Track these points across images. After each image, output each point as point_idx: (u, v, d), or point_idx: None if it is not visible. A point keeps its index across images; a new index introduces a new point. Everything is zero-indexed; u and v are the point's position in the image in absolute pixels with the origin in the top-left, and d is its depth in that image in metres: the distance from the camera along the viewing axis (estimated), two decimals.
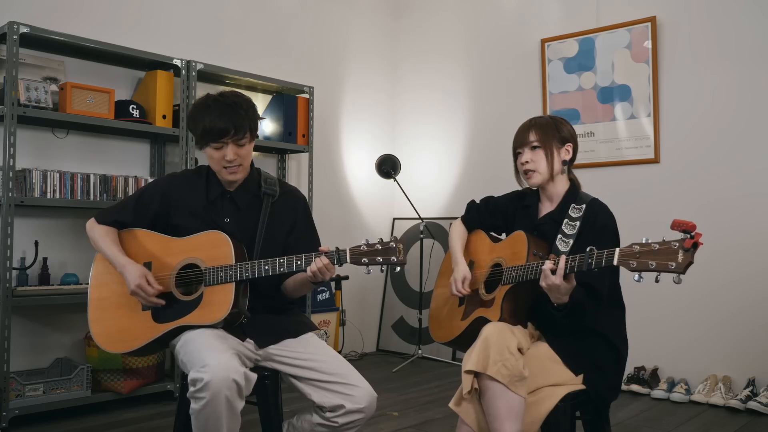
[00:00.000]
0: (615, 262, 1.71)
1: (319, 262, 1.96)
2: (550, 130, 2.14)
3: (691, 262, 1.59)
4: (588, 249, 1.78)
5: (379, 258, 1.92)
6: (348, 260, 1.95)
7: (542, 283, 1.85)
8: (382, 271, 1.96)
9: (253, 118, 2.12)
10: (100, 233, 2.15)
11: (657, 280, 1.65)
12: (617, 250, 1.71)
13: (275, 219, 2.20)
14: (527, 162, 2.14)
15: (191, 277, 2.09)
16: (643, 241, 1.67)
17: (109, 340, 2.11)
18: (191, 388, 1.82)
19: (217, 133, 2.03)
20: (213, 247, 2.06)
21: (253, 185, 2.20)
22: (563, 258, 1.81)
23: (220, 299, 2.02)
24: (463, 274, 2.18)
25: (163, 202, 2.18)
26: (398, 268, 1.95)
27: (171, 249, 2.12)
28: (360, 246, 1.94)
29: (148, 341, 2.06)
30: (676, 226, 1.60)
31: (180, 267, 2.10)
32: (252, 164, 2.22)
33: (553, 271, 1.81)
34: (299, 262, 1.99)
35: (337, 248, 1.98)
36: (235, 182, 2.17)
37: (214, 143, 2.06)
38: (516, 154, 2.20)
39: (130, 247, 2.15)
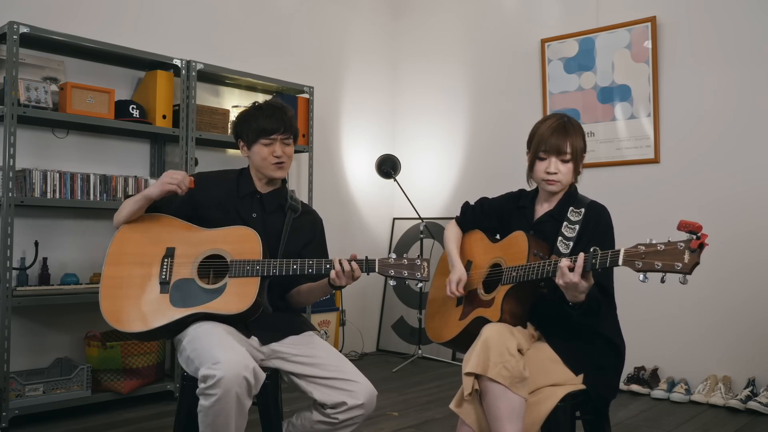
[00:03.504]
0: (620, 263, 1.71)
1: (347, 265, 2.05)
2: (581, 140, 2.10)
3: (697, 263, 1.59)
4: (592, 249, 1.78)
5: (404, 272, 2.07)
6: (376, 270, 2.07)
7: (559, 281, 1.82)
8: (405, 283, 2.04)
9: (296, 127, 2.29)
10: (125, 202, 2.19)
11: (663, 281, 1.65)
12: (622, 250, 1.71)
13: (296, 233, 2.29)
14: (556, 173, 2.07)
15: (214, 267, 2.12)
16: (648, 242, 1.67)
17: (120, 318, 2.07)
18: (201, 385, 1.83)
19: (270, 130, 2.19)
20: (242, 242, 2.11)
21: (281, 196, 2.31)
22: (581, 255, 1.79)
23: (244, 292, 2.05)
24: (458, 276, 2.18)
25: (187, 200, 2.21)
26: (419, 284, 2.09)
27: (196, 238, 2.15)
28: (388, 258, 2.08)
29: (162, 324, 2.04)
30: (682, 226, 1.59)
31: (204, 256, 2.12)
32: (284, 180, 2.34)
33: (571, 269, 1.80)
34: (328, 266, 2.07)
35: (366, 257, 2.08)
36: (273, 182, 2.28)
37: (265, 139, 2.20)
38: (539, 158, 2.09)
39: (155, 230, 2.17)
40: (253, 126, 2.21)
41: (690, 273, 1.60)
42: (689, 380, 3.72)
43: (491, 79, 4.77)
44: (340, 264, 2.05)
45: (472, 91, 4.89)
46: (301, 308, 2.44)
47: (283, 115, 2.22)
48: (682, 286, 3.71)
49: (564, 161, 2.08)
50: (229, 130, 3.91)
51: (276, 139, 2.20)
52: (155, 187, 2.11)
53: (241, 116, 2.28)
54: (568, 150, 2.06)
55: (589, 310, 1.90)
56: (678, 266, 1.60)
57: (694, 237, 1.59)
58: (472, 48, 4.89)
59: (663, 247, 1.64)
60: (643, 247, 1.67)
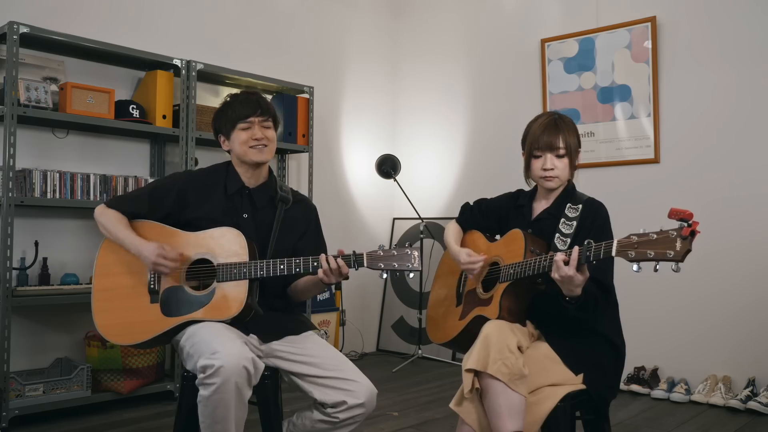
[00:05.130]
0: (613, 254, 1.71)
1: (333, 263, 2.00)
2: (574, 135, 2.11)
3: (689, 250, 1.59)
4: (586, 242, 1.79)
5: (394, 264, 1.99)
6: (365, 264, 2.00)
7: (555, 275, 1.83)
8: (397, 275, 1.99)
9: (275, 111, 2.25)
10: (111, 218, 2.14)
11: (656, 269, 1.65)
12: (615, 240, 1.72)
13: (288, 225, 2.25)
14: (552, 169, 2.08)
15: (202, 272, 2.10)
16: (641, 232, 1.68)
17: (115, 332, 2.09)
18: (201, 375, 1.83)
19: (245, 114, 2.16)
20: (226, 244, 2.08)
21: (270, 188, 2.26)
22: (576, 249, 1.80)
23: (233, 296, 2.03)
24: (467, 252, 2.15)
25: (179, 198, 2.19)
26: (412, 275, 2.01)
27: (182, 243, 2.12)
28: (377, 251, 2.00)
29: (155, 335, 2.06)
30: (673, 214, 1.60)
31: (191, 261, 2.11)
32: (270, 171, 2.29)
33: (566, 262, 1.80)
34: (315, 264, 2.03)
35: (354, 252, 2.02)
36: (259, 172, 2.22)
37: (243, 123, 2.16)
38: (534, 156, 2.12)
39: (141, 237, 2.14)
40: (229, 114, 2.19)
41: (682, 260, 1.60)
42: (689, 380, 3.72)
43: (491, 79, 4.77)
44: (327, 262, 2.00)
45: (472, 91, 4.89)
46: (302, 305, 2.43)
47: (258, 98, 2.20)
48: (682, 286, 3.73)
49: (558, 156, 2.09)
50: None
51: (254, 122, 2.17)
52: (145, 253, 2.05)
53: (217, 111, 2.26)
54: (561, 145, 2.08)
55: (586, 305, 1.90)
56: (670, 254, 1.61)
57: (686, 224, 1.59)
58: (472, 48, 4.89)
59: (655, 236, 1.64)
60: (636, 237, 1.68)
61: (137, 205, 2.18)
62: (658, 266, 1.65)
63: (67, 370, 3.26)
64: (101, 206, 2.18)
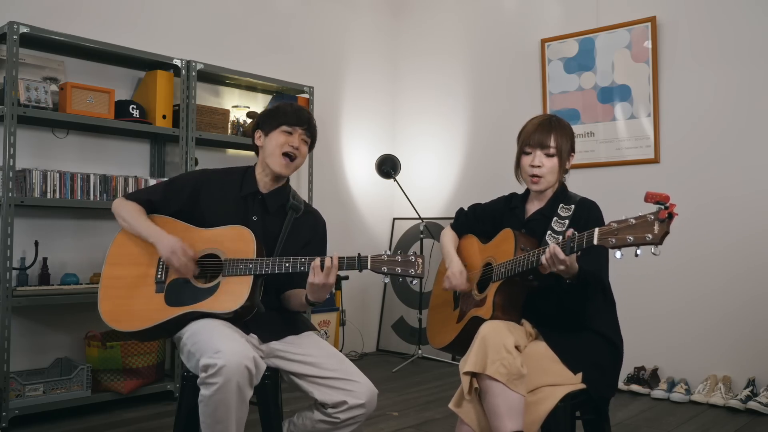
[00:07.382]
0: (595, 242, 1.73)
1: (328, 261, 2.01)
2: (567, 137, 2.12)
3: (667, 233, 1.61)
4: (569, 231, 1.80)
5: (398, 269, 2.01)
6: (369, 266, 2.03)
7: (553, 269, 1.85)
8: (399, 281, 2.01)
9: (316, 136, 2.32)
10: (130, 209, 2.18)
11: (636, 255, 1.66)
12: (597, 229, 1.73)
13: (296, 233, 2.28)
14: (539, 167, 2.10)
15: (209, 267, 2.13)
16: (621, 219, 1.69)
17: (116, 318, 2.11)
18: (202, 374, 1.84)
19: (294, 121, 2.22)
20: (236, 241, 2.11)
21: (283, 195, 2.30)
22: (561, 238, 1.85)
23: (237, 290, 2.05)
24: (459, 268, 2.19)
25: (192, 196, 2.23)
26: (415, 281, 2.00)
27: (193, 237, 2.15)
28: (381, 255, 2.03)
29: (157, 323, 2.07)
30: (650, 198, 1.63)
31: (199, 256, 2.13)
32: (287, 179, 2.33)
33: (552, 256, 1.82)
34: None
35: (359, 254, 2.04)
36: (277, 179, 2.25)
37: (288, 126, 2.21)
38: (524, 152, 2.15)
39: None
40: (279, 116, 2.23)
41: (660, 243, 1.62)
42: (689, 380, 3.72)
43: (491, 79, 4.77)
44: (324, 261, 2.02)
45: (472, 91, 4.89)
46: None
47: (309, 116, 2.27)
48: (682, 286, 3.73)
49: (548, 155, 2.10)
50: (230, 130, 3.92)
51: (296, 131, 2.22)
52: (162, 249, 2.08)
53: (267, 110, 2.32)
54: (552, 144, 2.10)
55: (587, 281, 1.91)
56: (649, 237, 1.63)
57: (663, 207, 1.60)
58: (472, 48, 4.89)
59: (634, 221, 1.67)
60: (615, 224, 1.70)
61: (153, 194, 2.23)
62: (638, 251, 1.66)
63: (67, 370, 3.26)
64: (120, 199, 2.24)
